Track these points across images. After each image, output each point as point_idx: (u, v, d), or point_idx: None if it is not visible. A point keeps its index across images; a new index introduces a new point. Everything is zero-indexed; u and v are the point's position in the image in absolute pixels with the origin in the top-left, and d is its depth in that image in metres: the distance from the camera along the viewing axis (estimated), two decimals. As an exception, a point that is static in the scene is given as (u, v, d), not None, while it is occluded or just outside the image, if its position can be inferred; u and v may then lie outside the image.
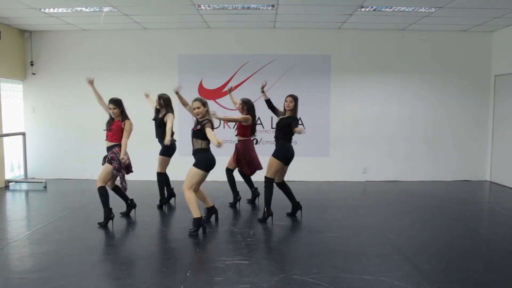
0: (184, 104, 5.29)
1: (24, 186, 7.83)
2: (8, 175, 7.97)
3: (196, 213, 4.86)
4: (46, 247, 4.47)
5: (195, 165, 4.88)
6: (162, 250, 4.43)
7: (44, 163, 8.49)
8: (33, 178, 8.36)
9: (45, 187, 7.61)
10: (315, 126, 8.42)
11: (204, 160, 4.87)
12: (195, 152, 4.92)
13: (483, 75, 8.41)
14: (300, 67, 8.31)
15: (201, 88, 8.36)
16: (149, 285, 3.56)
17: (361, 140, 8.45)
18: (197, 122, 4.93)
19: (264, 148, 8.48)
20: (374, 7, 6.69)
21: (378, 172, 8.50)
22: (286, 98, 5.44)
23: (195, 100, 4.92)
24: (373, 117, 8.41)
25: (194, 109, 4.87)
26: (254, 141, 8.45)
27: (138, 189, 7.60)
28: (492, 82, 8.35)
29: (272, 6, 6.66)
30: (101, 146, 8.48)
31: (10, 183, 7.81)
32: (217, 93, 8.31)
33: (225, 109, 8.29)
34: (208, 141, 4.87)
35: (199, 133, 4.85)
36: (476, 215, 6.17)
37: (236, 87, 8.36)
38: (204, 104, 4.91)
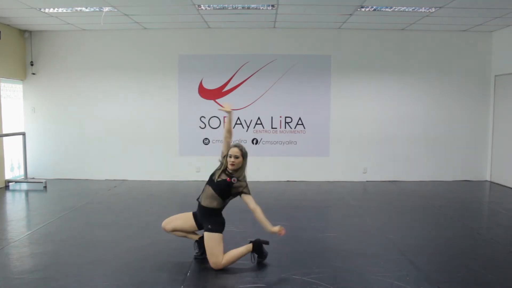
0: (227, 131, 4.05)
1: (24, 186, 7.83)
2: (8, 175, 7.96)
3: (247, 248, 3.92)
4: (46, 247, 4.47)
5: (211, 230, 3.80)
6: (162, 250, 4.42)
7: (44, 163, 8.48)
8: (33, 178, 8.35)
9: (45, 187, 7.61)
10: (315, 126, 8.43)
11: (220, 222, 3.88)
12: (208, 213, 3.85)
13: (483, 75, 8.40)
14: (300, 67, 8.31)
15: (201, 88, 8.36)
16: (149, 285, 3.56)
17: (361, 140, 8.45)
18: (227, 174, 3.84)
19: (264, 148, 8.51)
20: (374, 7, 6.69)
21: (378, 172, 8.50)
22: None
23: (235, 146, 3.86)
24: (373, 117, 8.40)
25: (231, 156, 3.81)
26: (254, 141, 8.51)
27: (138, 189, 7.62)
28: (492, 82, 8.34)
29: (272, 6, 6.66)
30: (101, 145, 8.61)
31: (10, 183, 7.80)
32: (217, 93, 8.31)
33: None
34: (224, 202, 3.88)
35: (224, 190, 3.80)
36: (476, 215, 6.18)
37: (236, 87, 8.38)
38: (244, 156, 3.86)
